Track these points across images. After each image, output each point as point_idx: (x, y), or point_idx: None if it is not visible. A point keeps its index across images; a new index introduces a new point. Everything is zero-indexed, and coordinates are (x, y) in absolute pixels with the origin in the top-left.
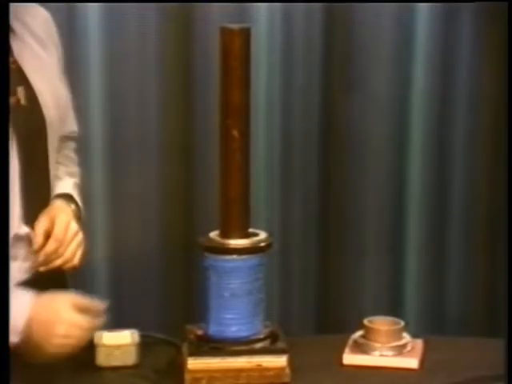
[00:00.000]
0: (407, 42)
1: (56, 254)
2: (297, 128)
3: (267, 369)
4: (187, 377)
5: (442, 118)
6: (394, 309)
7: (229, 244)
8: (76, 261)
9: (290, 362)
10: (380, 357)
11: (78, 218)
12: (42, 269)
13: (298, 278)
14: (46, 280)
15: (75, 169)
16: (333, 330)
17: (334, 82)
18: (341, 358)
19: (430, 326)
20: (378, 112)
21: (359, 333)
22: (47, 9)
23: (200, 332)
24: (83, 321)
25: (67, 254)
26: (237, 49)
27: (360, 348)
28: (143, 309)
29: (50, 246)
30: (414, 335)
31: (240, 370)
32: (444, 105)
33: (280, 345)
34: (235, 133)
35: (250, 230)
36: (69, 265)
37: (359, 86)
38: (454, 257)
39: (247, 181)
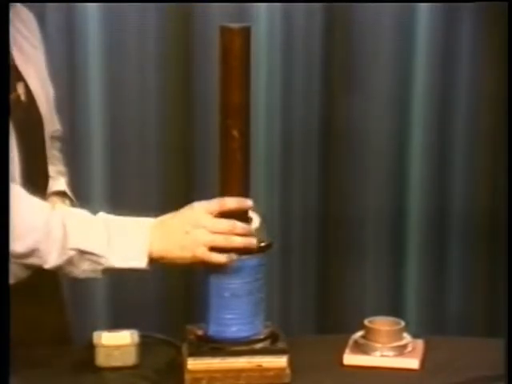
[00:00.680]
0: (407, 41)
1: None
2: (297, 128)
3: (267, 369)
4: (187, 377)
5: (442, 118)
6: (394, 309)
7: None
8: None
9: (291, 362)
10: (381, 357)
11: None
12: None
13: (298, 278)
14: (38, 284)
15: (63, 168)
16: (333, 331)
17: (334, 81)
18: (341, 359)
19: (431, 326)
20: (378, 112)
21: (360, 333)
22: (47, 9)
23: (200, 332)
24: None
25: None
26: (237, 48)
27: (360, 348)
28: (143, 309)
29: None
30: (415, 335)
31: (240, 371)
32: (444, 105)
33: (280, 345)
34: (235, 133)
35: None
36: None
37: (359, 85)
38: (454, 257)
39: (247, 180)
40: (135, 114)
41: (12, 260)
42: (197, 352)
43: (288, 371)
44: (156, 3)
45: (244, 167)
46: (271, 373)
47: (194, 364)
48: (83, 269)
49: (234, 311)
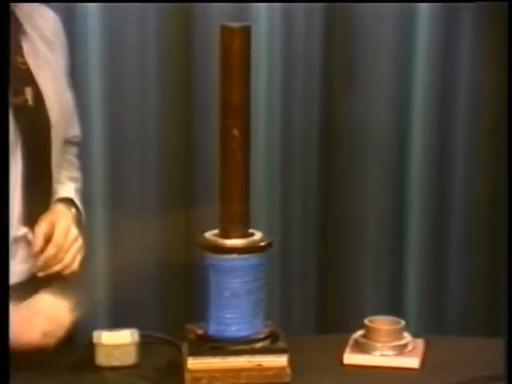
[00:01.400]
0: (407, 41)
1: (55, 259)
2: (297, 128)
3: (267, 368)
4: (187, 376)
5: (442, 118)
6: (394, 308)
7: (229, 243)
8: (75, 266)
9: (291, 361)
10: (381, 356)
11: (79, 222)
12: (40, 274)
13: (298, 278)
14: (42, 283)
15: (77, 174)
16: (333, 330)
17: (334, 81)
18: (341, 358)
19: (431, 325)
20: (378, 112)
21: (360, 332)
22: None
23: (200, 331)
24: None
25: (67, 259)
26: (237, 48)
27: (361, 348)
28: (143, 309)
29: (50, 251)
30: (415, 335)
31: (240, 370)
32: (444, 104)
33: (280, 344)
34: (235, 132)
35: (250, 230)
36: (68, 270)
37: (359, 86)
38: (454, 257)
39: (247, 180)
40: (135, 114)
41: None
42: (197, 351)
43: (288, 370)
44: (156, 3)
45: (244, 167)
46: (271, 372)
47: (194, 363)
48: None
49: (234, 310)
